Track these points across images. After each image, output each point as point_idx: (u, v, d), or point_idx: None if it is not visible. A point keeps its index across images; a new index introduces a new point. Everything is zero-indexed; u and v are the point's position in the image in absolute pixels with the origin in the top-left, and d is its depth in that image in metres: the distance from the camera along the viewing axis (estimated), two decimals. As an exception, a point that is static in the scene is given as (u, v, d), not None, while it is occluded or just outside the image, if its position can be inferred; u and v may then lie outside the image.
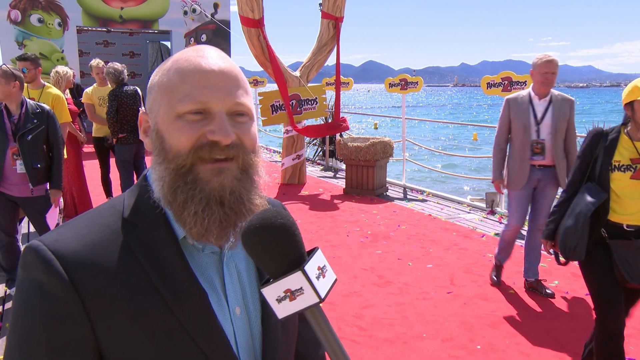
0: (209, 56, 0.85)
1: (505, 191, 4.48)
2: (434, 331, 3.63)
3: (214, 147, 0.81)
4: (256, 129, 0.90)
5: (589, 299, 4.12)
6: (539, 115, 4.09)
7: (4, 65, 3.99)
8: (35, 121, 4.04)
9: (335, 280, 0.79)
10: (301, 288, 0.72)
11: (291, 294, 0.73)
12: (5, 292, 4.32)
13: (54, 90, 5.38)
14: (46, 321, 0.76)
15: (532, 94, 4.12)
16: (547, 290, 4.22)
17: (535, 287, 4.28)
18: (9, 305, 4.15)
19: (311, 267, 0.74)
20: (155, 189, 0.84)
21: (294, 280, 0.72)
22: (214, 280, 0.86)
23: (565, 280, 4.52)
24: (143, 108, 0.92)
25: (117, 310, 0.77)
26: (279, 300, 0.73)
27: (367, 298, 4.18)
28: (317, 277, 0.74)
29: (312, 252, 0.77)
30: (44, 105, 4.23)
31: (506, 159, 4.31)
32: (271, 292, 0.73)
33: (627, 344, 3.44)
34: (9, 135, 3.98)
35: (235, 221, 0.83)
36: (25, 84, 5.07)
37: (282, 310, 0.74)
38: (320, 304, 0.73)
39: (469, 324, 3.73)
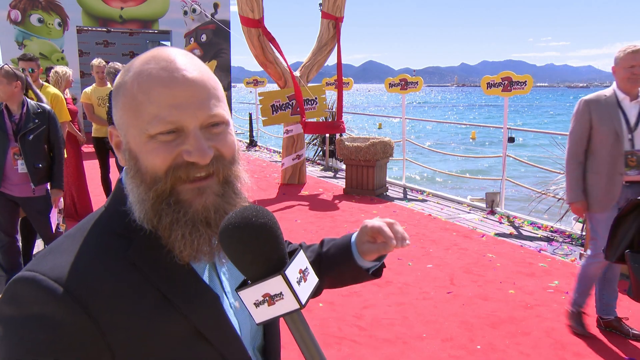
0: (174, 67, 0.78)
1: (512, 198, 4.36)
2: (434, 331, 3.63)
3: (191, 167, 0.78)
4: (233, 133, 0.86)
5: (588, 299, 4.12)
6: (632, 120, 3.38)
7: (5, 66, 3.99)
8: (36, 121, 4.05)
9: (318, 283, 0.75)
10: (281, 293, 0.68)
11: (270, 299, 0.69)
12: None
13: (53, 90, 5.39)
14: (62, 356, 0.70)
15: (620, 94, 3.43)
16: (634, 331, 3.56)
17: (616, 328, 3.61)
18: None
19: (292, 270, 0.70)
20: (136, 211, 0.79)
21: (273, 284, 0.68)
22: (213, 279, 0.86)
23: (565, 280, 4.52)
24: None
25: (132, 327, 0.74)
26: (257, 304, 0.69)
27: (367, 298, 4.18)
28: (298, 282, 0.70)
29: (293, 253, 0.73)
30: (45, 105, 4.23)
31: (579, 175, 3.55)
32: (249, 296, 0.70)
33: (627, 343, 3.45)
34: (9, 135, 3.98)
35: None
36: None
37: (260, 315, 0.70)
38: (301, 310, 0.70)
39: (469, 324, 3.73)
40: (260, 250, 0.69)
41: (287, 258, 0.72)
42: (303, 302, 0.69)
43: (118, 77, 0.84)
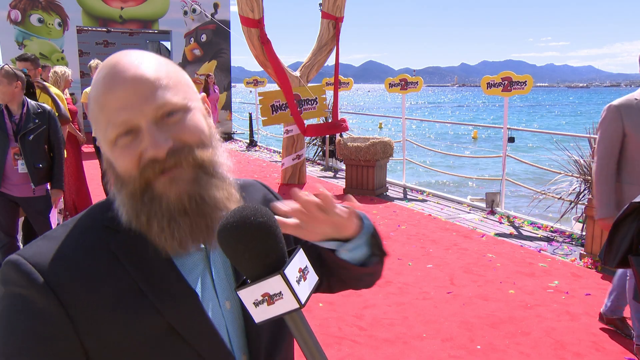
0: (114, 71, 0.78)
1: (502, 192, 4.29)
2: (434, 331, 3.63)
3: (155, 163, 0.77)
4: (198, 115, 0.83)
5: (588, 299, 4.12)
6: None
7: (6, 66, 3.99)
8: (37, 121, 4.05)
9: (318, 281, 0.75)
10: (280, 292, 0.68)
11: (269, 298, 0.68)
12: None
13: (53, 90, 5.39)
14: (33, 337, 0.74)
15: None
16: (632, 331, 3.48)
17: (618, 327, 3.59)
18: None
19: (291, 270, 0.69)
20: (122, 213, 0.81)
21: (272, 284, 0.67)
22: (204, 277, 0.85)
23: (565, 280, 4.52)
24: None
25: (105, 319, 0.76)
26: (256, 304, 0.69)
27: (367, 298, 4.18)
28: (298, 281, 0.69)
29: (292, 252, 0.72)
30: (45, 105, 4.23)
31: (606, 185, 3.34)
32: (248, 295, 0.69)
33: (627, 343, 3.45)
34: (10, 136, 3.98)
35: (206, 223, 0.80)
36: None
37: (260, 314, 0.69)
38: (302, 309, 0.69)
39: (469, 324, 3.73)
40: (258, 249, 0.68)
41: (286, 257, 0.71)
42: (303, 301, 0.69)
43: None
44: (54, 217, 4.25)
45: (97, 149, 6.78)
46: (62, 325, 0.75)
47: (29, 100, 4.13)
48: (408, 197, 8.01)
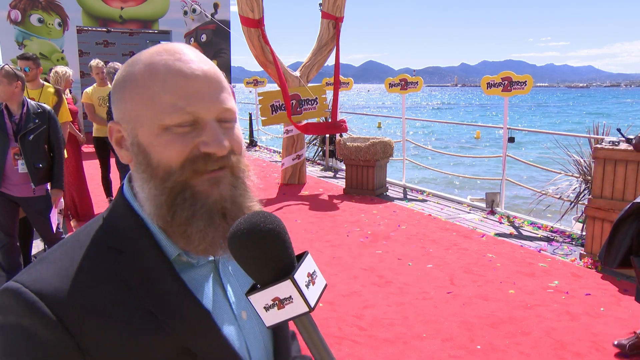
0: (189, 59, 0.77)
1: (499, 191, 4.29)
2: (434, 331, 3.63)
3: (208, 159, 0.76)
4: (240, 129, 0.85)
5: (588, 299, 4.13)
6: None
7: (6, 66, 3.99)
8: (37, 121, 4.05)
9: (326, 285, 0.76)
10: (290, 297, 0.69)
11: (279, 303, 0.70)
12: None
13: (54, 90, 5.40)
14: None
15: None
16: None
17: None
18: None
19: (301, 274, 0.71)
20: (146, 208, 0.78)
21: (282, 288, 0.69)
22: (215, 290, 0.83)
23: (565, 281, 4.52)
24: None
25: (117, 346, 0.72)
26: (267, 308, 0.70)
27: (367, 298, 4.18)
28: (307, 285, 0.71)
29: (301, 257, 0.74)
30: (45, 105, 4.23)
31: None
32: (259, 300, 0.71)
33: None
34: (9, 136, 3.98)
35: None
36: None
37: (270, 318, 0.71)
38: (310, 313, 0.71)
39: (469, 324, 3.73)
40: (269, 255, 0.70)
41: (295, 262, 0.72)
42: (312, 305, 0.70)
43: (121, 70, 0.81)
44: (54, 217, 4.25)
45: (98, 149, 6.78)
46: (70, 353, 0.70)
47: (28, 100, 4.13)
48: (408, 197, 8.01)
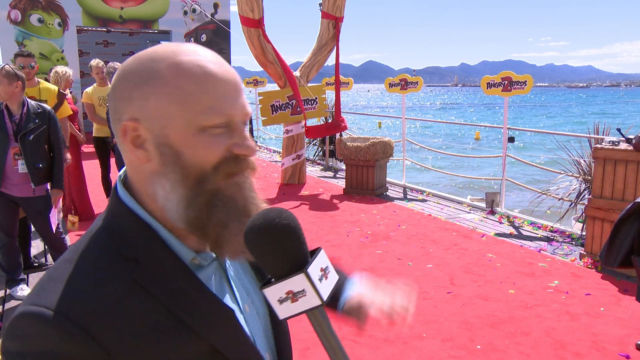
0: (217, 62, 0.77)
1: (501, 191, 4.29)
2: (434, 331, 3.63)
3: (238, 161, 0.77)
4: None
5: (588, 299, 4.13)
6: None
7: (6, 66, 3.99)
8: (37, 121, 4.05)
9: (338, 280, 0.78)
10: (303, 290, 0.71)
11: (293, 296, 0.72)
12: (5, 292, 4.32)
13: (52, 86, 5.42)
14: None
15: None
16: None
17: None
18: (9, 305, 4.15)
19: (314, 268, 0.73)
20: (178, 211, 0.76)
21: (296, 282, 0.71)
22: (222, 285, 0.84)
23: (566, 280, 4.52)
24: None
25: (148, 356, 0.72)
26: (281, 301, 0.72)
27: (367, 298, 4.17)
28: (320, 279, 0.73)
29: (315, 252, 0.76)
30: (45, 105, 4.23)
31: None
32: (273, 293, 0.72)
33: (627, 344, 3.45)
34: (10, 136, 3.98)
35: None
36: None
37: (284, 311, 0.73)
38: (323, 306, 0.73)
39: (469, 324, 3.73)
40: (283, 249, 0.72)
41: (309, 257, 0.74)
42: (325, 298, 0.72)
43: (134, 66, 0.77)
44: (54, 217, 4.25)
45: (98, 149, 6.78)
46: None
47: (29, 100, 4.13)
48: (408, 197, 8.01)
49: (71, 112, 5.61)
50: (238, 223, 0.76)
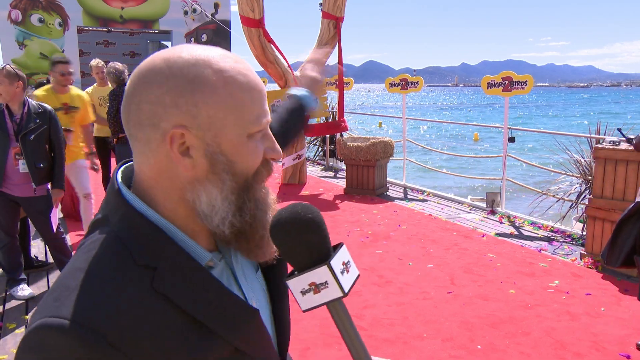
0: (250, 68, 0.81)
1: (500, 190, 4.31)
2: (434, 331, 3.63)
3: (269, 165, 0.81)
4: None
5: (589, 299, 4.12)
6: None
7: (7, 66, 3.99)
8: (37, 121, 4.05)
9: (358, 275, 0.81)
10: (326, 282, 0.74)
11: (316, 287, 0.75)
12: (6, 292, 4.32)
13: (82, 92, 5.55)
14: None
15: None
16: None
17: None
18: (9, 305, 4.15)
19: (336, 262, 0.76)
20: (228, 219, 0.76)
21: (319, 273, 0.74)
22: (230, 283, 0.83)
23: (566, 280, 4.52)
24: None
25: None
26: (304, 292, 0.76)
27: (367, 298, 4.18)
28: (342, 272, 0.76)
29: (337, 247, 0.79)
30: (46, 105, 4.24)
31: None
32: (296, 284, 0.76)
33: (627, 344, 3.45)
34: (10, 135, 3.99)
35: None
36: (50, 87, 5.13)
37: (306, 302, 0.76)
38: (343, 298, 0.76)
39: (469, 324, 3.73)
40: (308, 242, 0.75)
41: (331, 250, 0.78)
42: (346, 290, 0.76)
43: (177, 69, 0.73)
44: (55, 217, 4.25)
45: (99, 149, 6.78)
46: None
47: (30, 100, 4.14)
48: (408, 197, 8.01)
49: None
50: (265, 227, 0.80)
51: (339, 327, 0.78)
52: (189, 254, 0.75)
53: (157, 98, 0.72)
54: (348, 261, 0.79)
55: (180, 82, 0.72)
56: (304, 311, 0.77)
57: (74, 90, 5.38)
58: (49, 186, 4.22)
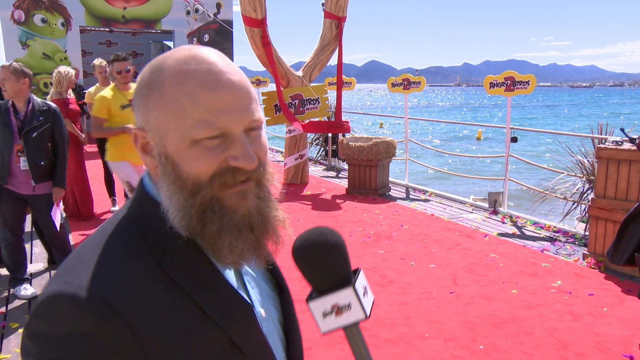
0: (218, 70, 0.76)
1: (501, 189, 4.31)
2: (436, 331, 3.63)
3: (236, 173, 0.76)
4: (265, 136, 0.84)
5: (592, 299, 4.12)
6: None
7: (14, 63, 4.01)
8: (40, 118, 4.07)
9: (374, 301, 0.82)
10: (349, 304, 0.75)
11: (338, 310, 0.75)
12: (9, 291, 4.33)
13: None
14: None
15: None
16: None
17: None
18: (12, 304, 4.16)
19: (359, 284, 0.77)
20: (174, 218, 0.76)
21: (343, 296, 0.75)
22: (240, 289, 0.84)
23: (568, 280, 4.51)
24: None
25: (171, 343, 0.72)
26: (325, 314, 0.75)
27: (370, 298, 4.17)
28: (363, 295, 0.77)
29: (356, 272, 0.80)
30: (51, 103, 4.25)
31: None
32: (318, 307, 0.76)
33: (630, 344, 3.44)
34: (14, 133, 4.00)
35: (265, 241, 0.81)
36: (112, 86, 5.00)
37: (327, 324, 0.76)
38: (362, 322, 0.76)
39: (471, 324, 3.72)
40: (332, 265, 0.77)
41: (352, 274, 0.79)
42: (368, 313, 0.76)
43: (146, 75, 0.79)
44: (56, 216, 4.25)
45: (101, 149, 6.79)
46: (133, 352, 0.69)
47: (34, 97, 4.15)
48: (411, 196, 8.01)
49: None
50: (234, 234, 0.77)
51: (354, 349, 0.78)
52: (195, 243, 0.78)
53: (134, 101, 0.81)
54: (366, 285, 0.80)
55: (143, 87, 0.78)
56: (323, 333, 0.76)
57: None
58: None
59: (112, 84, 5.07)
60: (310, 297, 0.77)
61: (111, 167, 5.10)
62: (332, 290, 0.75)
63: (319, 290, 0.76)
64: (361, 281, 0.78)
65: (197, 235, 0.77)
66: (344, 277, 0.76)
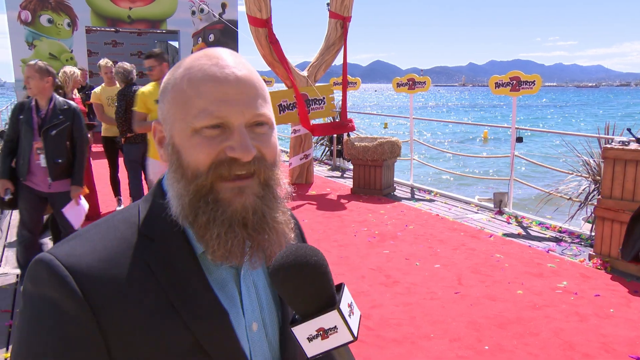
0: (224, 64, 0.79)
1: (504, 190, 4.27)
2: (441, 331, 3.62)
3: (233, 164, 0.77)
4: (276, 138, 0.85)
5: (598, 300, 4.10)
6: None
7: (39, 61, 4.07)
8: (61, 117, 4.11)
9: (360, 315, 0.78)
10: (335, 327, 0.71)
11: (324, 333, 0.71)
12: (15, 290, 4.35)
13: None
14: (62, 342, 0.72)
15: None
16: None
17: None
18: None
19: (344, 304, 0.73)
20: (173, 206, 0.79)
21: (328, 319, 0.71)
22: (233, 296, 0.83)
23: (574, 281, 4.49)
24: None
25: (134, 331, 0.74)
26: (310, 339, 0.72)
27: (375, 298, 4.17)
28: (349, 315, 0.73)
29: (339, 288, 0.76)
30: (72, 102, 4.29)
31: None
32: (302, 331, 0.72)
33: (638, 346, 3.42)
34: (35, 130, 4.04)
35: (259, 241, 0.79)
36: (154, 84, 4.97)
37: (313, 349, 0.72)
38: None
39: (476, 324, 3.71)
40: (315, 287, 0.72)
41: (336, 294, 0.74)
42: (355, 334, 0.72)
43: (168, 73, 0.85)
44: (71, 214, 4.25)
45: (107, 149, 6.82)
46: (91, 333, 0.72)
47: (56, 96, 4.20)
48: (416, 197, 7.99)
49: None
50: (225, 228, 0.77)
51: None
52: (187, 240, 0.80)
53: (159, 98, 0.86)
54: (351, 302, 0.76)
55: (164, 83, 0.85)
56: (310, 358, 0.73)
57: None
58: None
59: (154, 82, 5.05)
60: (293, 322, 0.73)
61: (148, 164, 5.14)
62: (316, 313, 0.71)
63: (302, 314, 0.73)
64: (346, 299, 0.74)
65: (189, 225, 0.79)
66: (328, 299, 0.72)
